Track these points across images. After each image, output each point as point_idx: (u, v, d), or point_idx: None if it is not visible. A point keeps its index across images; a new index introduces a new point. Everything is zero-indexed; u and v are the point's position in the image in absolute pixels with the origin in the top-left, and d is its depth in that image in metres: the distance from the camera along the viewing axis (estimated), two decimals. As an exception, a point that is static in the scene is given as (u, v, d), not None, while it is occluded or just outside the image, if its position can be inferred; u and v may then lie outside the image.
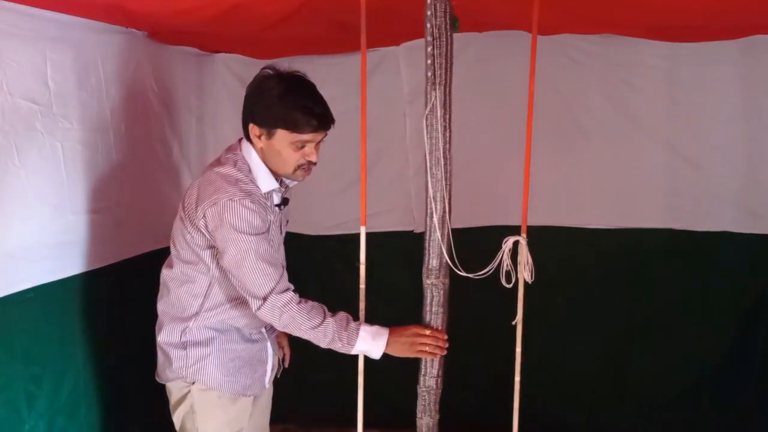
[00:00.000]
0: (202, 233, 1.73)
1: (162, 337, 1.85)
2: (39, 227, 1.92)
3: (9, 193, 1.80)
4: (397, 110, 2.71)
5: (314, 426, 3.06)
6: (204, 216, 1.70)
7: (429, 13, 1.59)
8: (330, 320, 1.71)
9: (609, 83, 2.59)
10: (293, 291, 1.73)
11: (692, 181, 2.59)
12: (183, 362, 1.81)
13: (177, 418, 1.88)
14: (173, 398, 1.87)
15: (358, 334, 1.72)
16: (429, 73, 1.60)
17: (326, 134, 1.79)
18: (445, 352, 1.76)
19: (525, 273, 1.69)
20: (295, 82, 1.73)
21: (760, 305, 2.63)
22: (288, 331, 1.76)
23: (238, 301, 1.79)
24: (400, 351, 1.74)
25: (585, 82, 2.60)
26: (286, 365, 2.11)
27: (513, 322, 1.75)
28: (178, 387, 1.85)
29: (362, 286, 1.82)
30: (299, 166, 1.76)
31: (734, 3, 1.78)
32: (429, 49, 1.61)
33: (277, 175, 1.81)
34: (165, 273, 1.87)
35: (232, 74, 2.78)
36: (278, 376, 2.04)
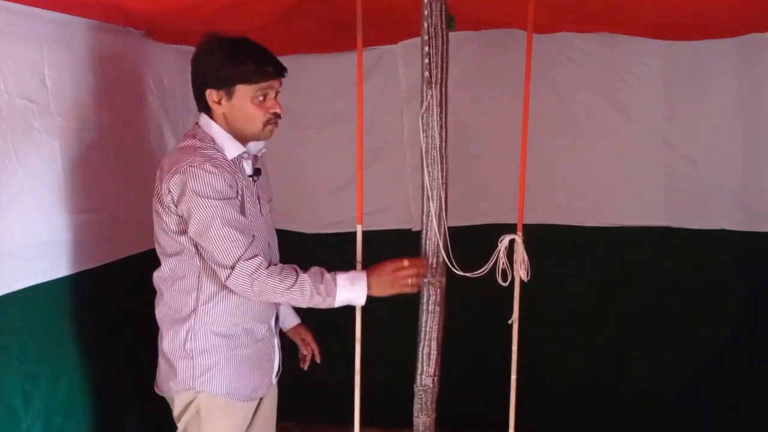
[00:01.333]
0: (173, 213, 1.68)
1: (165, 345, 1.78)
2: (36, 226, 1.92)
3: (6, 192, 1.80)
4: (395, 108, 2.71)
5: (313, 424, 3.06)
6: (169, 190, 1.65)
7: (426, 12, 1.59)
8: (304, 275, 1.66)
9: (605, 81, 2.59)
10: (263, 257, 1.67)
11: (689, 179, 2.60)
12: (189, 373, 1.74)
13: (181, 425, 1.81)
14: (177, 407, 1.80)
15: (335, 283, 1.67)
16: (425, 73, 1.60)
17: (282, 83, 1.76)
18: (427, 272, 1.71)
19: (521, 271, 1.69)
20: (239, 40, 1.72)
21: (757, 303, 2.63)
22: (264, 298, 1.71)
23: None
24: (384, 290, 1.70)
25: (581, 79, 2.61)
26: (318, 360, 2.09)
27: (509, 321, 1.76)
28: (183, 395, 1.78)
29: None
30: (267, 121, 1.73)
31: (727, 2, 1.78)
32: (425, 48, 1.61)
33: (244, 141, 1.77)
34: (155, 275, 1.82)
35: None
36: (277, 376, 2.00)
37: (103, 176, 2.17)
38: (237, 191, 1.70)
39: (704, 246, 2.62)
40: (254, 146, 1.84)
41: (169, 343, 1.77)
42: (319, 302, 1.68)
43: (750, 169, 2.54)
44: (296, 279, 1.65)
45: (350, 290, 1.68)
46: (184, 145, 1.72)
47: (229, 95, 1.70)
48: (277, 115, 1.74)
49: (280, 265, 1.69)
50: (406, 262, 1.70)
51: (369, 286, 1.69)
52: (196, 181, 1.62)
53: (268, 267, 1.65)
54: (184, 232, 1.69)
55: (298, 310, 2.10)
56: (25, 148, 1.86)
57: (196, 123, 1.78)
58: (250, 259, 1.64)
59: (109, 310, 2.21)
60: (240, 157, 1.76)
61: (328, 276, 1.69)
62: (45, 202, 1.95)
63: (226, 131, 1.74)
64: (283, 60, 2.95)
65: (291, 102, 2.88)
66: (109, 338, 2.20)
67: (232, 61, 1.67)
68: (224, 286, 1.73)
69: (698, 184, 2.59)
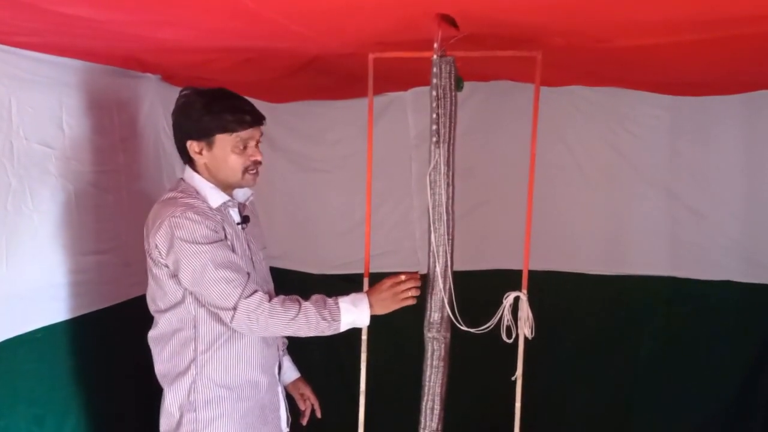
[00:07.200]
0: (163, 266, 1.69)
1: (168, 402, 1.77)
2: (49, 268, 1.96)
3: (21, 236, 1.84)
4: (404, 153, 2.74)
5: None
6: (156, 245, 1.67)
7: (435, 71, 1.63)
8: (306, 303, 1.68)
9: (612, 132, 2.62)
10: (262, 292, 1.67)
11: (695, 230, 2.60)
12: (193, 426, 1.73)
13: None
14: None
15: (338, 306, 1.69)
16: (434, 132, 1.63)
17: (262, 132, 1.78)
18: (420, 283, 1.74)
19: (525, 329, 1.69)
20: (216, 91, 1.75)
21: (763, 354, 2.62)
22: (270, 333, 1.71)
23: (232, 331, 1.72)
24: (386, 307, 1.72)
25: (589, 129, 2.63)
26: (319, 415, 2.06)
27: (513, 378, 1.75)
28: None
29: (365, 336, 1.84)
30: (246, 169, 1.75)
31: (734, 66, 1.81)
32: (434, 105, 1.64)
33: (228, 189, 1.79)
34: (151, 335, 1.82)
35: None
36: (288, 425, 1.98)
37: (115, 218, 2.20)
38: (225, 236, 1.71)
39: (709, 297, 2.62)
40: (241, 194, 1.86)
41: (172, 397, 1.76)
42: (325, 328, 1.68)
43: (755, 221, 2.54)
44: (299, 308, 1.67)
45: (354, 312, 1.70)
46: (165, 198, 1.75)
47: (210, 145, 1.73)
48: (257, 163, 1.77)
49: (282, 296, 1.70)
50: (403, 277, 1.73)
51: (371, 306, 1.71)
52: (181, 231, 1.64)
53: (269, 300, 1.66)
54: (179, 281, 1.70)
55: (303, 364, 2.10)
56: (40, 192, 1.91)
57: (181, 177, 1.81)
58: (250, 296, 1.65)
59: (118, 350, 2.21)
60: (225, 206, 1.77)
61: (330, 301, 1.71)
62: (58, 244, 1.99)
63: (209, 181, 1.76)
64: (293, 105, 2.98)
65: (300, 145, 2.93)
66: (117, 379, 2.21)
67: (210, 111, 1.70)
68: (221, 335, 1.74)
69: (703, 235, 2.59)
